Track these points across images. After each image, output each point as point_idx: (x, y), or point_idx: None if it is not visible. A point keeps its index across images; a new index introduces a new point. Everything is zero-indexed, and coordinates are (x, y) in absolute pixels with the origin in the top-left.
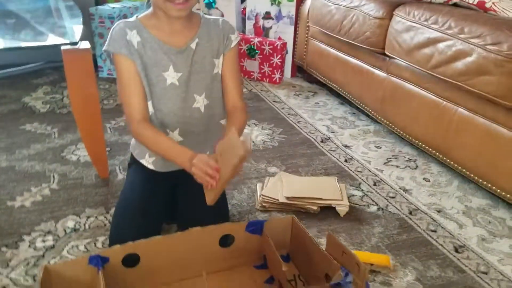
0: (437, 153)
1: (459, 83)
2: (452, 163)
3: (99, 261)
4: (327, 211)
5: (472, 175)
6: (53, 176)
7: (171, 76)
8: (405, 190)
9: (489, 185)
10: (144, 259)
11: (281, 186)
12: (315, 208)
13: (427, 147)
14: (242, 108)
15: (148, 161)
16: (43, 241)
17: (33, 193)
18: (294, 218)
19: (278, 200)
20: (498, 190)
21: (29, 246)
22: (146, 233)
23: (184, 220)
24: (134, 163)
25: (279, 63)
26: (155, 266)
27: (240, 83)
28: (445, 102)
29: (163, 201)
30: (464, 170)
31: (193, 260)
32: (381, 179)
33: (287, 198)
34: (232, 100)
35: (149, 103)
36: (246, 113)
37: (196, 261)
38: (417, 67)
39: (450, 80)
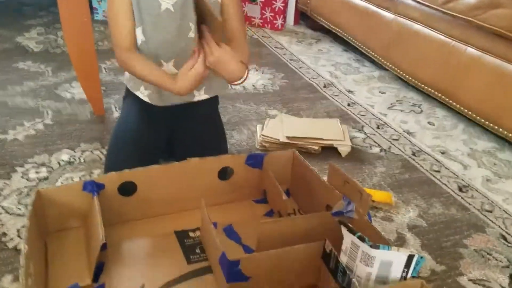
0: (444, 97)
1: (470, 19)
2: (458, 106)
3: (94, 187)
4: (329, 151)
5: (478, 117)
6: (47, 112)
7: (166, 1)
8: (409, 133)
9: (496, 127)
10: (141, 188)
11: (281, 126)
12: (316, 148)
13: (433, 91)
14: (243, 37)
15: (143, 93)
16: (37, 172)
17: (26, 127)
18: (295, 152)
19: (278, 140)
20: (505, 132)
21: (22, 177)
22: (141, 166)
23: (183, 157)
24: (129, 95)
25: (282, 8)
26: (152, 196)
27: (242, 12)
28: (454, 42)
29: (160, 136)
30: (470, 112)
31: (191, 192)
32: (384, 122)
33: (288, 138)
34: (232, 28)
35: (139, 31)
36: (247, 44)
37: (195, 193)
38: (427, 3)
39: (461, 16)
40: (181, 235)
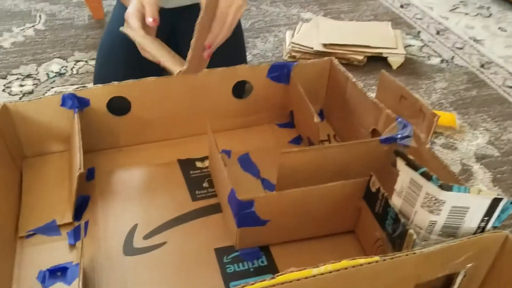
0: None
1: None
2: None
3: (75, 102)
4: (376, 62)
5: None
6: (40, 16)
7: None
8: (476, 41)
9: None
10: (135, 106)
11: (317, 32)
12: (360, 58)
13: None
14: None
15: None
16: (21, 85)
17: (15, 33)
18: (334, 61)
19: (312, 48)
20: None
21: (3, 90)
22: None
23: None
24: None
25: None
26: (150, 117)
27: None
28: None
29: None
30: None
31: (199, 113)
32: (446, 27)
33: (325, 45)
34: None
35: None
36: None
37: (203, 114)
38: None
39: None
40: (186, 165)
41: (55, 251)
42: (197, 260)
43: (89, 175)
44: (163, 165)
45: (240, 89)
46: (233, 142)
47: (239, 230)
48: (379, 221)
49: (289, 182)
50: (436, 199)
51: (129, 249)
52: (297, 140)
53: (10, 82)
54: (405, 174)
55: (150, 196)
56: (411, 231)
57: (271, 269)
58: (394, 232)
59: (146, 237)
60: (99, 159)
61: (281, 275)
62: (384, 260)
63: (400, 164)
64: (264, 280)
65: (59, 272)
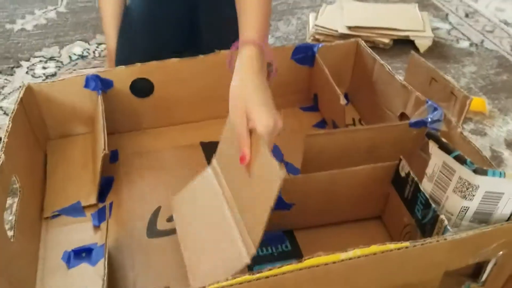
0: None
1: None
2: None
3: (98, 83)
4: (403, 45)
5: None
6: None
7: None
8: (507, 24)
9: None
10: (158, 88)
11: (341, 14)
12: (386, 41)
13: None
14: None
15: None
16: (44, 67)
17: (37, 16)
18: (360, 42)
19: (337, 31)
20: None
21: (27, 72)
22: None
23: (209, 49)
24: None
25: None
26: (173, 99)
27: None
28: None
29: (181, 23)
30: None
31: (221, 95)
32: (475, 10)
33: (350, 28)
34: None
35: None
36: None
37: (225, 97)
38: None
39: None
40: (209, 148)
41: (79, 232)
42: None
43: (112, 157)
44: (186, 148)
45: None
46: None
47: None
48: (408, 206)
49: (314, 166)
50: (469, 184)
51: (152, 231)
52: (321, 124)
53: (33, 65)
54: (437, 158)
55: (173, 178)
56: (442, 216)
57: (296, 254)
58: (424, 218)
59: (170, 219)
60: (123, 141)
61: (308, 259)
62: (414, 246)
63: (433, 147)
64: (291, 263)
65: (83, 253)
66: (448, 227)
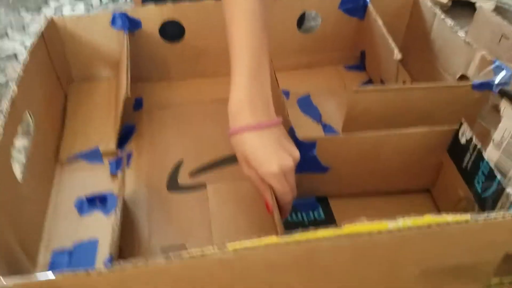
0: None
1: None
2: None
3: (125, 21)
4: (462, 8)
5: None
6: None
7: None
8: None
9: None
10: (190, 32)
11: None
12: (445, 1)
13: None
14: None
15: None
16: (73, 10)
17: None
18: None
19: None
20: None
21: (55, 13)
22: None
23: None
24: None
25: None
26: (205, 47)
27: None
28: None
29: None
30: None
31: None
32: None
33: None
34: None
35: None
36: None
37: None
38: None
39: None
40: None
41: (95, 179)
42: (246, 206)
43: (136, 104)
44: (216, 102)
45: (306, 21)
46: (293, 83)
47: (297, 176)
48: (466, 178)
49: (358, 127)
50: None
51: (173, 185)
52: (367, 85)
53: (61, 5)
54: (509, 121)
55: (199, 132)
56: (509, 190)
57: (329, 223)
58: (485, 191)
59: (192, 174)
60: (148, 90)
61: (349, 225)
62: (476, 221)
63: (506, 107)
64: (328, 228)
65: (98, 201)
66: None
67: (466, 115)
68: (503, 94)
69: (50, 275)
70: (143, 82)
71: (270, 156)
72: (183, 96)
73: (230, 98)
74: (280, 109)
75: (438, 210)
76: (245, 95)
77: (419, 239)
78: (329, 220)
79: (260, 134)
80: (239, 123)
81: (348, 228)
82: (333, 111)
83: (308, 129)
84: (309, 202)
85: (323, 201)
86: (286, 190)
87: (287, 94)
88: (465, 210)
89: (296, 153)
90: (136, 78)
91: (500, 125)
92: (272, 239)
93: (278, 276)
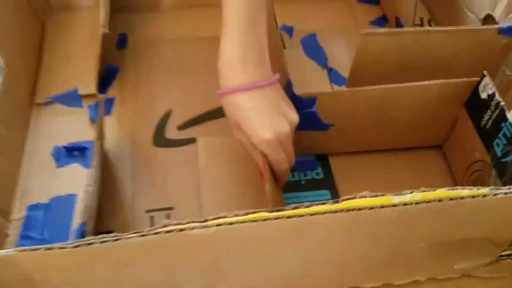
0: None
1: None
2: None
3: None
4: None
5: None
6: None
7: None
8: None
9: None
10: None
11: None
12: None
13: None
14: None
15: None
16: None
17: None
18: None
19: None
20: None
21: None
22: None
23: None
24: None
25: None
26: None
27: None
28: None
29: None
30: None
31: None
32: None
33: None
34: None
35: None
36: None
37: None
38: None
39: None
40: None
41: (74, 125)
42: (239, 164)
43: (120, 42)
44: (212, 40)
45: None
46: (298, 17)
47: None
48: (484, 138)
49: (366, 76)
50: None
51: (160, 139)
52: (381, 21)
53: None
54: None
55: (192, 77)
56: None
57: (327, 184)
58: (506, 156)
59: (182, 127)
60: (135, 24)
61: (348, 199)
62: (495, 195)
63: None
64: (324, 203)
65: (77, 151)
66: None
67: (489, 65)
68: None
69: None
70: (129, 13)
71: (264, 121)
72: (177, 31)
73: (220, 52)
74: (277, 57)
75: (450, 170)
76: (237, 49)
77: (429, 215)
78: (328, 180)
79: (253, 96)
80: (230, 82)
81: (346, 203)
82: (341, 53)
83: (311, 76)
84: (308, 161)
85: (322, 158)
86: (282, 158)
87: (290, 30)
88: (479, 174)
89: (294, 117)
90: (121, 7)
91: None
92: (261, 215)
93: (268, 251)
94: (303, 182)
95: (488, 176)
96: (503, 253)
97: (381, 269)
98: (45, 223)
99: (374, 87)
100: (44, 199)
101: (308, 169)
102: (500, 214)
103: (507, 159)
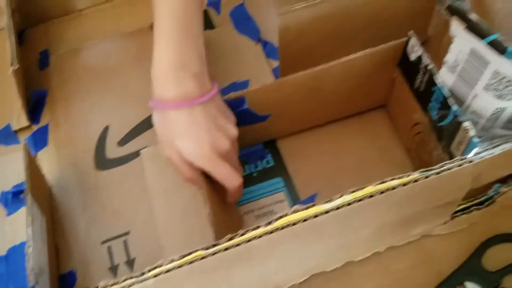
0: None
1: None
2: None
3: None
4: None
5: None
6: None
7: None
8: None
9: None
10: None
11: None
12: None
13: None
14: None
15: None
16: None
17: None
18: None
19: None
20: None
21: None
22: None
23: None
24: None
25: None
26: None
27: None
28: None
29: None
30: None
31: None
32: None
33: None
34: None
35: None
36: None
37: None
38: None
39: None
40: None
41: (16, 163)
42: None
43: (42, 61)
44: (134, 34)
45: None
46: None
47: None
48: (420, 100)
49: (297, 54)
50: (509, 81)
51: (102, 161)
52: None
53: None
54: (462, 42)
55: (123, 82)
56: (466, 124)
57: (279, 170)
58: (441, 120)
59: (122, 142)
60: (53, 34)
61: (280, 217)
62: (427, 177)
63: (457, 27)
64: (258, 227)
65: (22, 193)
66: (475, 139)
67: (421, 5)
68: (453, 10)
69: None
70: (45, 23)
71: (202, 137)
72: (96, 32)
73: (154, 58)
74: None
75: (397, 129)
76: (173, 55)
77: (365, 210)
78: (280, 166)
79: (191, 113)
80: (163, 94)
81: (280, 222)
82: (274, 19)
83: (245, 54)
84: (256, 150)
85: (271, 145)
86: (228, 173)
87: (217, 4)
88: (421, 136)
89: (233, 131)
90: (36, 20)
91: (452, 46)
92: (198, 253)
93: (215, 284)
94: (254, 174)
95: (429, 138)
96: (458, 209)
97: (340, 253)
98: (9, 276)
99: (301, 73)
100: (2, 251)
101: (258, 158)
102: (436, 190)
103: (443, 123)
